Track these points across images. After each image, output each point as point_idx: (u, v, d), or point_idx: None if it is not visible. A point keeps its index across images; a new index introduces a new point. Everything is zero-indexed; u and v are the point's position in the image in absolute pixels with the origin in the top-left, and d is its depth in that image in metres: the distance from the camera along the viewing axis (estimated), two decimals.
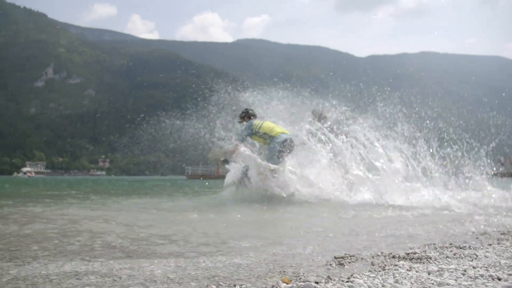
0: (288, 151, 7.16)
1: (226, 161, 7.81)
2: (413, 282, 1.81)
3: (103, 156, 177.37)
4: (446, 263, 2.22)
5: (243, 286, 1.79)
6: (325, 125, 7.58)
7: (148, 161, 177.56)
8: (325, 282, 1.81)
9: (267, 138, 7.31)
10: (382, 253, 2.51)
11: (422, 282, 1.80)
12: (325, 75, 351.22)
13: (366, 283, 1.78)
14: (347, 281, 1.82)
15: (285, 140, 7.16)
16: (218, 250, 2.65)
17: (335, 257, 2.39)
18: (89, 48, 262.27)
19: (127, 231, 3.45)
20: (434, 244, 2.87)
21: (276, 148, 7.08)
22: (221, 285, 1.80)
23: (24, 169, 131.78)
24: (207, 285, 1.80)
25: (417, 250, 2.60)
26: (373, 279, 1.85)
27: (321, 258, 2.41)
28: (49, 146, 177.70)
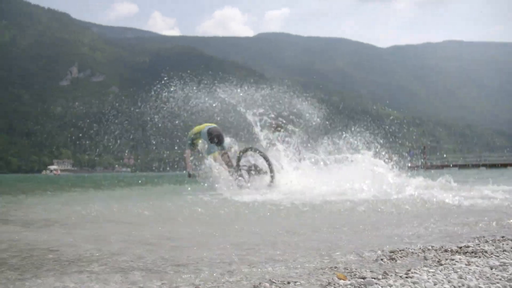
0: (216, 138, 8.11)
1: (189, 175, 8.42)
2: (477, 277, 1.73)
3: (126, 153, 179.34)
4: (505, 256, 2.11)
5: (297, 283, 1.73)
6: (281, 134, 8.37)
7: (172, 157, 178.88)
8: (384, 278, 1.75)
9: (200, 135, 8.33)
10: (432, 247, 2.43)
11: (487, 277, 1.73)
12: (348, 66, 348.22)
13: (430, 278, 1.71)
14: (407, 277, 1.75)
15: (209, 129, 8.17)
16: (259, 248, 2.58)
17: (383, 251, 2.33)
18: (111, 46, 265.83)
19: (161, 233, 3.51)
20: (483, 237, 2.75)
21: (206, 139, 8.15)
22: (274, 282, 1.75)
23: (51, 167, 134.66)
24: (260, 283, 1.75)
25: (469, 244, 2.49)
26: (434, 274, 1.78)
27: (368, 252, 2.33)
28: (75, 144, 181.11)
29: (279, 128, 8.60)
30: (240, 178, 7.97)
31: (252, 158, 8.37)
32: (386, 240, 2.73)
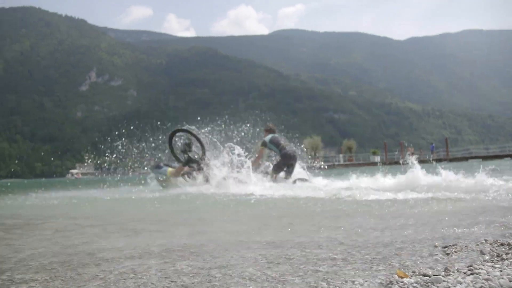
0: (161, 164, 9.69)
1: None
2: None
3: (147, 155, 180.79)
4: None
5: (355, 282, 1.66)
6: (275, 135, 8.91)
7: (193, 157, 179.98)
8: (447, 275, 1.66)
9: (156, 174, 9.80)
10: (486, 240, 2.31)
11: None
12: (365, 61, 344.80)
13: (503, 275, 1.60)
14: (471, 273, 1.66)
15: (152, 166, 10.05)
16: (303, 246, 2.51)
17: (436, 246, 2.22)
18: (128, 50, 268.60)
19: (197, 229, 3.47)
20: None
21: (157, 171, 9.72)
22: (331, 282, 1.67)
23: (73, 171, 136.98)
24: (315, 281, 1.69)
25: None
26: (501, 270, 1.68)
27: (419, 248, 2.23)
28: (97, 148, 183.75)
29: (272, 130, 9.07)
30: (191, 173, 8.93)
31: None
32: (432, 235, 2.60)
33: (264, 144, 8.69)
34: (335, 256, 2.13)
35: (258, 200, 5.51)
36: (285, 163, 8.38)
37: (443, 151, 44.85)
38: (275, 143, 8.56)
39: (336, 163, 44.51)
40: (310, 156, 46.53)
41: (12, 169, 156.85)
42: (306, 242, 2.56)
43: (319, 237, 2.71)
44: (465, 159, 37.35)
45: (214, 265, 2.06)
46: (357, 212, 4.01)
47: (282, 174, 8.64)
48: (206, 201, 5.96)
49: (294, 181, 8.20)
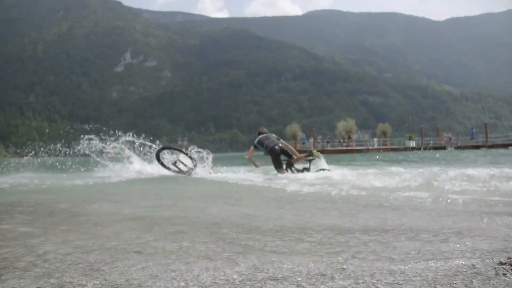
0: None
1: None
2: None
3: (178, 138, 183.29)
4: None
5: None
6: (266, 134, 10.22)
7: (224, 138, 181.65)
8: None
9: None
10: None
11: None
12: (401, 42, 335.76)
13: None
14: None
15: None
16: (351, 252, 2.31)
17: (501, 263, 1.94)
18: (162, 31, 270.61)
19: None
20: None
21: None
22: None
23: (106, 150, 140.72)
24: None
25: None
26: None
27: (481, 264, 1.96)
28: (131, 128, 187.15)
29: (263, 133, 10.29)
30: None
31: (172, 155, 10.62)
32: (488, 247, 2.31)
33: (253, 144, 10.21)
34: (392, 269, 1.91)
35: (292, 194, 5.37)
36: (277, 159, 9.43)
37: (482, 137, 43.41)
38: (260, 143, 9.93)
39: (370, 147, 43.82)
40: (342, 140, 46.16)
41: (51, 149, 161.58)
42: (353, 245, 2.31)
43: (367, 239, 2.46)
44: (505, 146, 36.10)
45: (265, 276, 1.84)
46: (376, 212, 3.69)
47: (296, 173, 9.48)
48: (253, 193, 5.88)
49: (319, 170, 9.00)
